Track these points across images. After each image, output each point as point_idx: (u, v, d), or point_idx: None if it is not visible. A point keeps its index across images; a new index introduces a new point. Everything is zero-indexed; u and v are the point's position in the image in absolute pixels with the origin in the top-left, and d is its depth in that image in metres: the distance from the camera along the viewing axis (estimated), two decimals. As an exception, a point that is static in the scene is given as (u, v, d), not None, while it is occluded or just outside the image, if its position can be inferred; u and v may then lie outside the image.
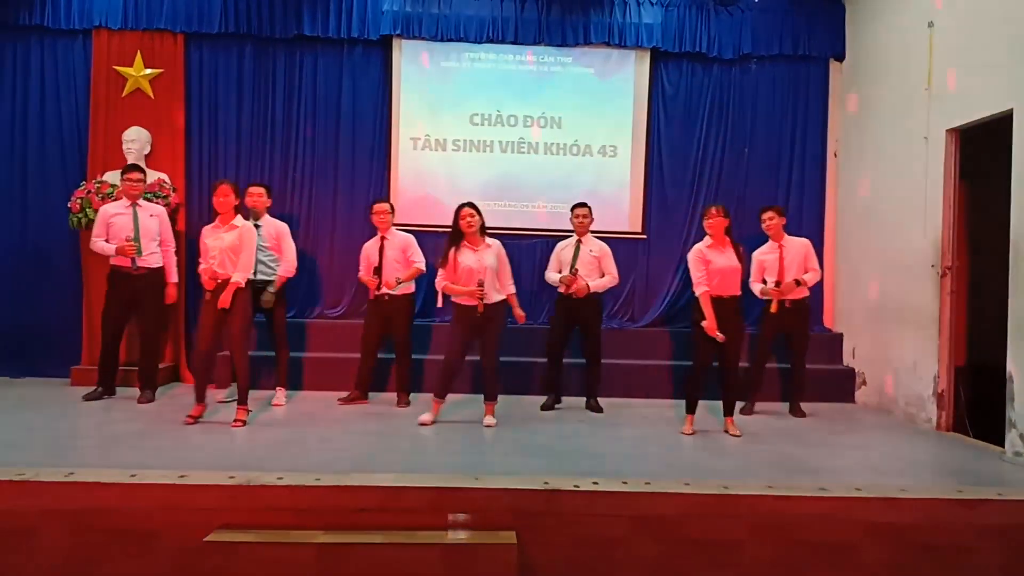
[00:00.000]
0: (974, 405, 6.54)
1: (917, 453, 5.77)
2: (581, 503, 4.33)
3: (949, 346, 6.51)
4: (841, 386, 7.78)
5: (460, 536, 4.14)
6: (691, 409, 6.14)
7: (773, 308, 6.73)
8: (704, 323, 5.91)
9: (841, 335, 8.16)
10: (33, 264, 7.89)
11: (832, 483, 4.65)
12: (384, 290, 6.75)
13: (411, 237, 7.03)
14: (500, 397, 6.40)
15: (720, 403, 6.23)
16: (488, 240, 6.24)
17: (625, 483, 4.48)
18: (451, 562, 3.99)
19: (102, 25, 7.92)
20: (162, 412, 6.28)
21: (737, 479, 4.70)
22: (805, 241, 7.03)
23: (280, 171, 8.26)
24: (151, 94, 7.98)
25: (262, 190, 6.91)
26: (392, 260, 6.82)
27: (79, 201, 7.21)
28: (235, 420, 5.94)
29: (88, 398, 6.65)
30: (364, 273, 6.92)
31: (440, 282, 6.19)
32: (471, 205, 6.18)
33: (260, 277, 6.62)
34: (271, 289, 6.72)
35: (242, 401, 6.05)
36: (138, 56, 7.95)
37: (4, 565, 4.13)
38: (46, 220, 7.82)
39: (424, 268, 6.95)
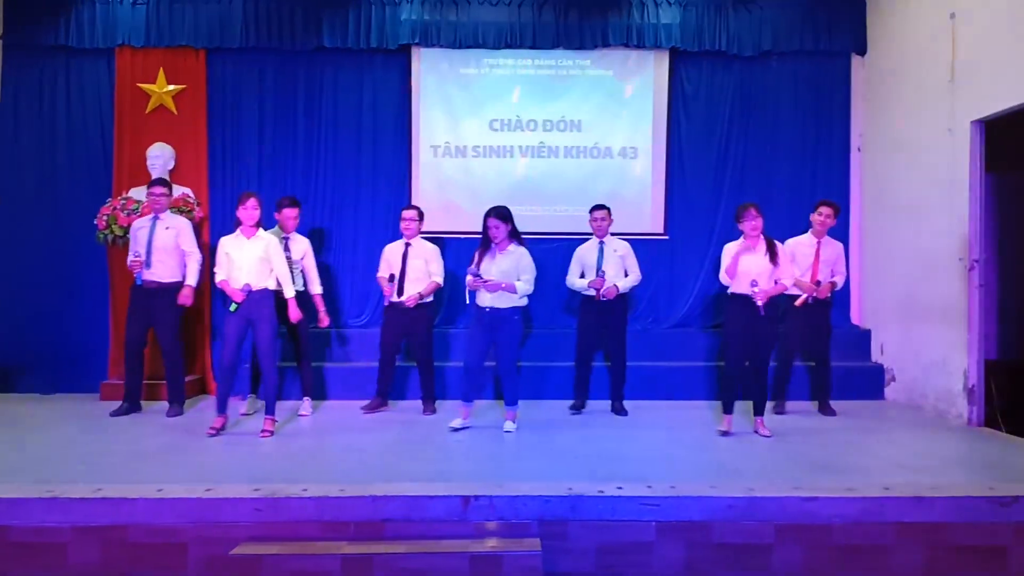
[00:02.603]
0: (1006, 400, 6.44)
1: (948, 450, 5.69)
2: (606, 508, 4.32)
3: (978, 340, 6.41)
4: (870, 383, 7.69)
5: (485, 544, 4.15)
6: (728, 409, 6.10)
7: (799, 302, 6.67)
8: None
9: (869, 331, 8.07)
10: (61, 281, 8.00)
11: (861, 483, 4.60)
12: (400, 299, 6.80)
13: (436, 249, 7.07)
14: (522, 402, 6.39)
15: (748, 403, 6.19)
16: (512, 247, 6.22)
17: (650, 487, 4.46)
18: (476, 571, 3.99)
19: (125, 43, 8.03)
20: (188, 425, 6.33)
21: (764, 481, 4.66)
22: (840, 245, 7.01)
23: (303, 183, 8.31)
24: (174, 110, 8.08)
25: (296, 211, 6.92)
26: (415, 268, 6.86)
27: (105, 218, 7.30)
28: (263, 431, 5.99)
29: (115, 414, 6.70)
30: (383, 275, 6.93)
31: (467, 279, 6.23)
32: (496, 211, 6.17)
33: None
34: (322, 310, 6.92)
35: (270, 411, 6.10)
36: (161, 73, 8.05)
37: (36, 581, 4.20)
38: (73, 237, 7.92)
39: (442, 282, 7.02)
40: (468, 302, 6.41)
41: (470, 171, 8.44)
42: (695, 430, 6.24)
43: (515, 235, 6.23)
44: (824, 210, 6.86)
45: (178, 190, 7.70)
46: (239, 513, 4.22)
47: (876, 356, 7.92)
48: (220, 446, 5.69)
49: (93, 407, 7.09)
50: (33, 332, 7.94)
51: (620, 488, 4.42)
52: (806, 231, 6.95)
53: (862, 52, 8.34)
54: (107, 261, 7.57)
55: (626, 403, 6.96)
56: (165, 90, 8.06)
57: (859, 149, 8.40)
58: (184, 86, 8.11)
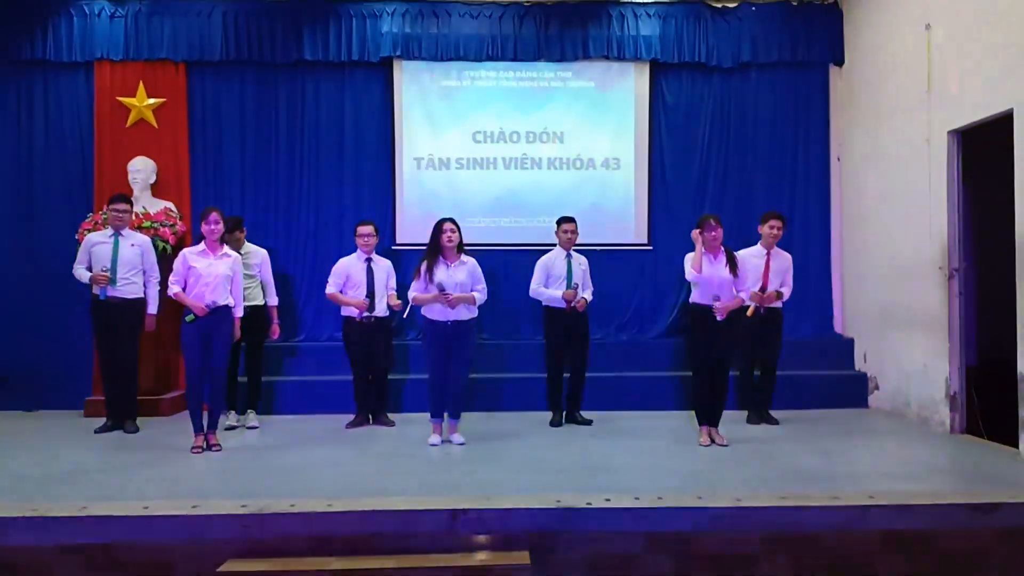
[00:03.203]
0: (987, 406, 6.50)
1: (930, 457, 5.74)
2: (594, 520, 4.32)
3: (959, 348, 6.48)
4: (853, 391, 7.74)
5: (474, 558, 4.14)
6: (703, 420, 6.13)
7: (750, 312, 6.70)
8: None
9: (852, 340, 8.13)
10: (43, 297, 7.92)
11: (845, 491, 4.63)
12: (374, 313, 6.79)
13: (390, 262, 7.11)
14: (509, 414, 6.42)
15: (734, 412, 6.23)
16: (464, 257, 6.25)
17: (638, 499, 4.46)
18: (466, 585, 3.99)
19: (104, 57, 7.99)
20: (173, 442, 6.27)
21: (750, 490, 4.68)
22: (790, 256, 7.06)
23: (285, 196, 8.31)
24: (155, 124, 8.05)
25: (240, 235, 6.93)
26: (379, 282, 6.88)
27: (86, 232, 7.24)
28: (212, 446, 5.97)
29: (100, 431, 6.65)
30: (348, 293, 6.86)
31: (410, 293, 6.22)
32: (453, 221, 6.21)
33: (246, 304, 6.65)
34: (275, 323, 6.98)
35: (213, 427, 6.08)
36: (140, 86, 8.01)
37: (21, 602, 4.15)
38: (55, 252, 7.80)
39: (395, 292, 7.00)
40: (405, 316, 6.40)
41: (453, 183, 8.45)
42: (681, 440, 6.25)
43: (461, 247, 6.26)
44: (774, 222, 6.92)
45: (160, 204, 7.69)
46: (226, 530, 4.19)
47: (859, 364, 7.98)
48: (205, 462, 5.66)
49: (77, 424, 7.04)
50: (15, 348, 7.86)
51: (608, 500, 4.42)
52: (791, 243, 7.03)
53: (840, 63, 8.43)
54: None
55: (610, 414, 7.02)
56: (145, 103, 8.03)
57: (838, 159, 8.47)
58: (164, 99, 8.08)
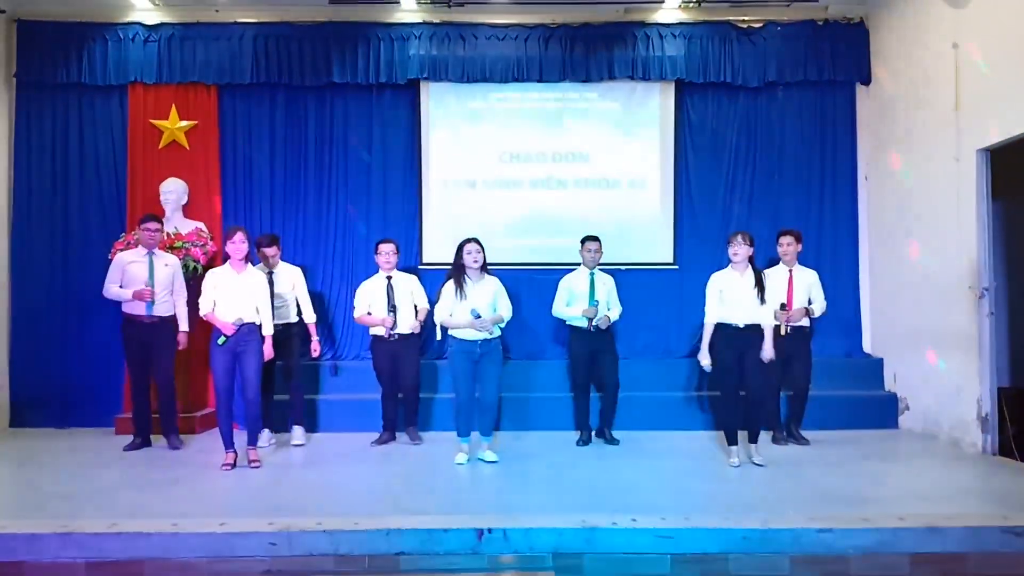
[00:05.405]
0: (1019, 427, 6.41)
1: (962, 479, 5.66)
2: (620, 541, 4.31)
3: (990, 368, 6.39)
4: (884, 412, 7.64)
5: (499, 577, 4.15)
6: (732, 440, 6.09)
7: (782, 331, 6.66)
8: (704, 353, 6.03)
9: (881, 360, 8.05)
10: (76, 316, 8.05)
11: (875, 513, 4.59)
12: (397, 330, 6.85)
13: (416, 278, 7.19)
14: (532, 433, 6.42)
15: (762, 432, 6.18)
16: (487, 277, 6.30)
17: (664, 519, 4.45)
18: (491, 604, 3.99)
19: (137, 80, 8.14)
20: (200, 459, 6.36)
21: (778, 512, 4.65)
22: (814, 272, 7.03)
23: (314, 216, 8.39)
24: (186, 145, 8.18)
25: (276, 250, 6.99)
26: (402, 300, 6.93)
27: (119, 252, 7.35)
28: (251, 462, 6.06)
29: (128, 448, 6.74)
30: (372, 312, 6.95)
31: (439, 316, 6.26)
32: (476, 240, 6.28)
33: (277, 322, 6.69)
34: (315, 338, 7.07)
35: (252, 442, 6.17)
36: (173, 109, 8.16)
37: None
38: (88, 272, 7.91)
39: (428, 307, 7.04)
40: (438, 340, 6.55)
41: (480, 204, 8.49)
42: (708, 460, 6.22)
43: (485, 267, 6.33)
44: (784, 240, 6.93)
45: (191, 224, 7.79)
46: (254, 547, 4.23)
47: (889, 385, 7.89)
48: (232, 480, 5.71)
49: (107, 441, 7.12)
50: (47, 367, 7.99)
51: (634, 520, 4.41)
52: (806, 261, 7.03)
53: (866, 82, 8.39)
54: (120, 296, 7.61)
55: (637, 434, 6.99)
56: (177, 126, 8.17)
57: (866, 178, 8.42)
58: (196, 122, 8.22)
